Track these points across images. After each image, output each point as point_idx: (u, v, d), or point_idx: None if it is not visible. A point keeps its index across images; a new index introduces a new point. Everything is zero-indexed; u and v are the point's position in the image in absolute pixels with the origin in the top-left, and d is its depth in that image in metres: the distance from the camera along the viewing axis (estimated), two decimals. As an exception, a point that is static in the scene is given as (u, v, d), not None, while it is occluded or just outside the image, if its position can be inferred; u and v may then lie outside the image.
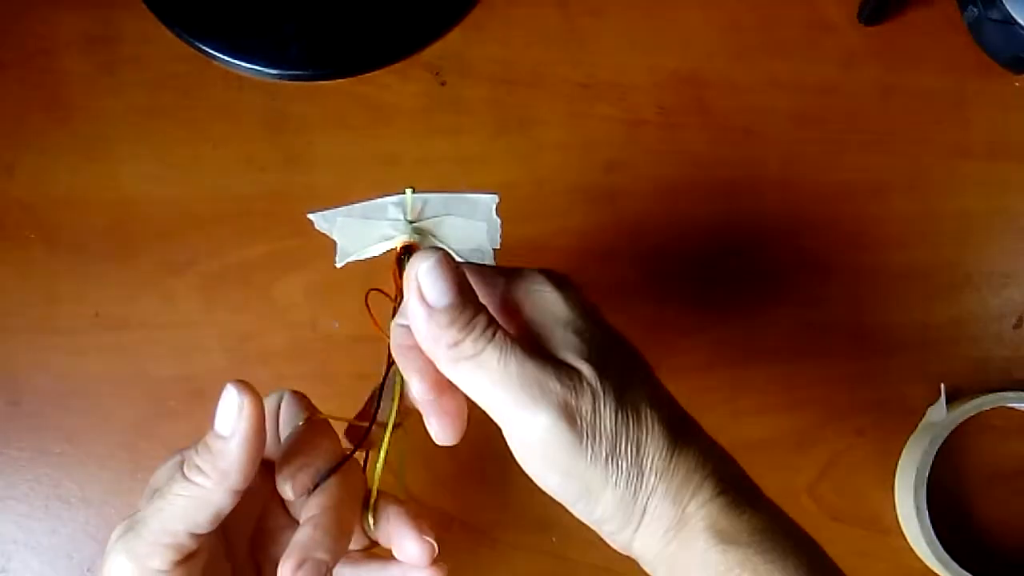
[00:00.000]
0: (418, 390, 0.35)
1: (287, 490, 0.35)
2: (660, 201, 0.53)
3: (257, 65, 0.53)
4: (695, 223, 0.53)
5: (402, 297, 0.43)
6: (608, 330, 0.35)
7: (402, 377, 0.38)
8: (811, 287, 0.53)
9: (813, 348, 0.52)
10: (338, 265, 0.51)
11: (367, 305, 0.40)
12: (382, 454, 0.38)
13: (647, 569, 0.34)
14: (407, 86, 0.54)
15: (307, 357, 0.51)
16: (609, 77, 0.54)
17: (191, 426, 0.49)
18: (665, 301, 0.52)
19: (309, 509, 0.35)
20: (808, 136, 0.54)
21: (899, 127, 0.54)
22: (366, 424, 0.39)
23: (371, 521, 0.38)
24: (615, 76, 0.54)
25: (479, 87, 0.54)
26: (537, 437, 0.32)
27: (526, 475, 0.50)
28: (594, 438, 0.32)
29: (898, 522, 0.51)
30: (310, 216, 0.52)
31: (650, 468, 0.33)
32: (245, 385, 0.33)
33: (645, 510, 0.33)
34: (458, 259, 0.50)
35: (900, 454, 0.51)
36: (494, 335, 0.33)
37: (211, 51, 0.53)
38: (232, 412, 0.32)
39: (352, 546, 0.38)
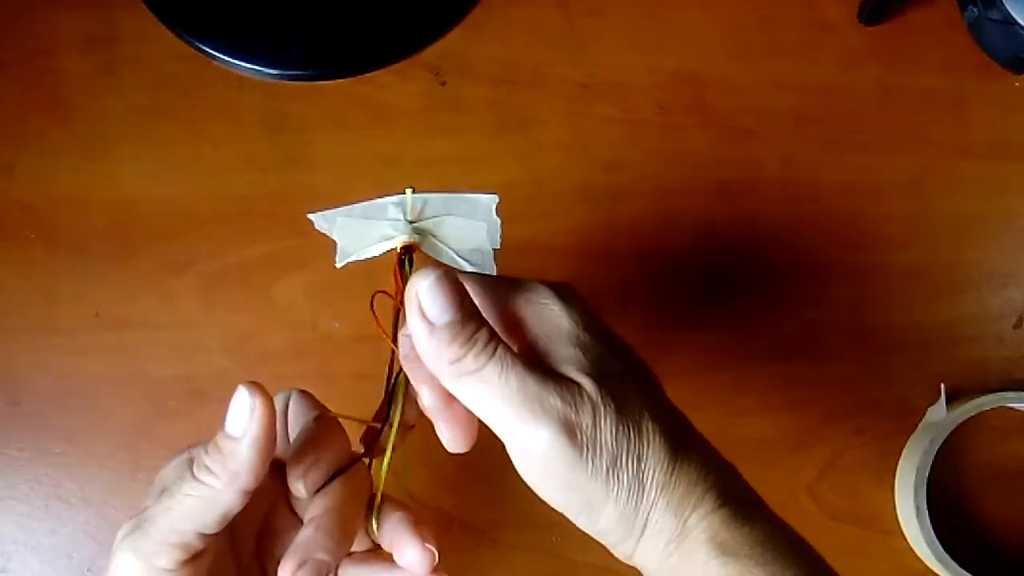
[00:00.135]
0: (428, 399, 0.36)
1: (299, 488, 0.35)
2: (660, 201, 0.53)
3: (257, 65, 0.53)
4: (695, 223, 0.53)
5: (403, 298, 0.43)
6: (612, 342, 0.35)
7: (407, 380, 0.38)
8: (811, 287, 0.53)
9: (813, 348, 0.53)
10: (338, 265, 0.51)
11: (372, 309, 0.40)
12: (387, 457, 0.38)
13: None
14: (407, 86, 0.54)
15: (307, 357, 0.51)
16: (609, 77, 0.54)
17: (191, 426, 0.49)
18: (665, 301, 0.52)
19: (312, 509, 0.35)
20: (808, 136, 0.54)
21: (899, 127, 0.54)
22: (379, 425, 0.39)
23: (374, 525, 0.38)
24: (615, 76, 0.54)
25: (479, 87, 0.54)
26: (538, 452, 0.32)
27: (526, 475, 0.50)
28: (595, 452, 0.32)
29: (898, 522, 0.51)
30: (310, 216, 0.52)
31: (651, 481, 0.33)
32: (257, 386, 0.33)
33: (647, 523, 0.33)
34: (462, 262, 0.50)
35: (900, 454, 0.51)
36: (495, 351, 0.33)
37: (211, 51, 0.53)
38: (244, 413, 0.32)
39: (357, 547, 0.39)
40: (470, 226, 0.52)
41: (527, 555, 0.50)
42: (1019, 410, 0.52)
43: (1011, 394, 0.51)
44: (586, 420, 0.32)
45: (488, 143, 0.53)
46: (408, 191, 0.52)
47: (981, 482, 0.52)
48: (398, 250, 0.50)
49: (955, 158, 0.54)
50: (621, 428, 0.33)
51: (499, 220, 0.52)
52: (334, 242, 0.51)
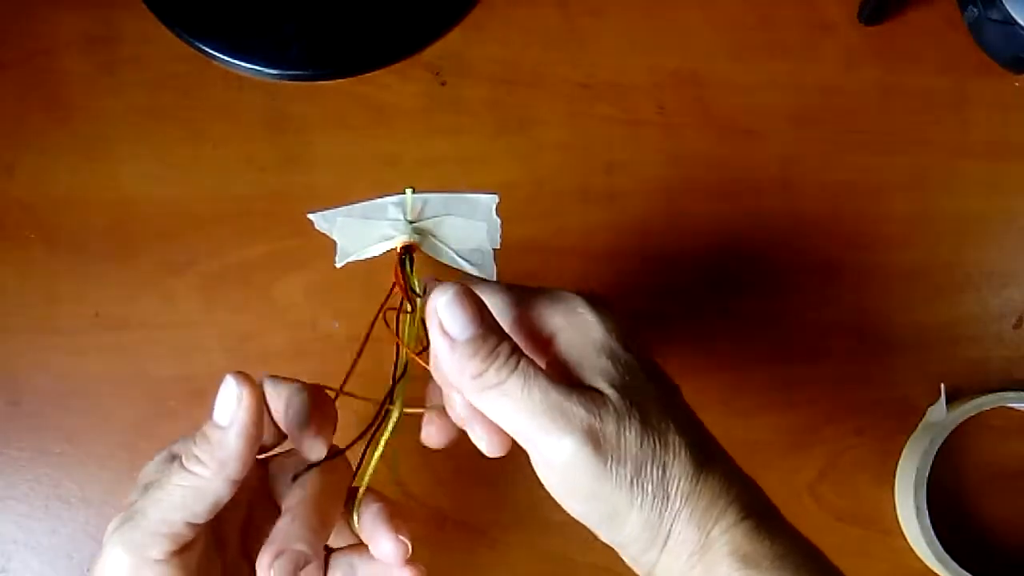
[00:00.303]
0: (461, 406, 0.36)
1: (317, 448, 0.36)
2: (660, 201, 0.53)
3: (257, 65, 0.53)
4: (695, 223, 0.53)
5: (405, 296, 0.43)
6: (639, 354, 0.36)
7: (404, 373, 0.39)
8: (811, 287, 0.53)
9: (813, 348, 0.53)
10: (338, 265, 0.51)
11: (386, 322, 0.40)
12: (379, 450, 0.38)
13: None
14: (407, 86, 0.54)
15: (307, 357, 0.51)
16: (609, 77, 0.54)
17: (191, 426, 0.48)
18: (665, 301, 0.52)
19: (290, 499, 0.36)
20: (808, 136, 0.54)
21: (899, 127, 0.54)
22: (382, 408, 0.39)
23: (356, 518, 0.38)
24: (615, 76, 0.54)
25: (479, 87, 0.54)
26: (562, 461, 0.32)
27: (525, 475, 0.50)
28: (619, 461, 0.32)
29: (898, 522, 0.51)
30: (310, 216, 0.52)
31: (676, 491, 0.33)
32: (244, 376, 0.33)
33: (670, 533, 0.33)
34: (462, 262, 0.50)
35: (900, 454, 0.52)
36: (517, 364, 0.33)
37: (211, 51, 0.53)
38: (231, 403, 0.33)
39: (349, 540, 0.39)
40: (470, 226, 0.52)
41: (526, 555, 0.50)
42: (1019, 410, 0.52)
43: (1011, 394, 0.51)
44: (610, 429, 0.33)
45: (488, 143, 0.53)
46: (408, 191, 0.52)
47: (981, 482, 0.52)
48: (398, 250, 0.50)
49: (955, 158, 0.54)
50: (646, 438, 0.33)
51: (499, 220, 0.52)
52: (334, 242, 0.51)
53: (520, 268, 0.51)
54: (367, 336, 0.39)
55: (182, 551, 0.34)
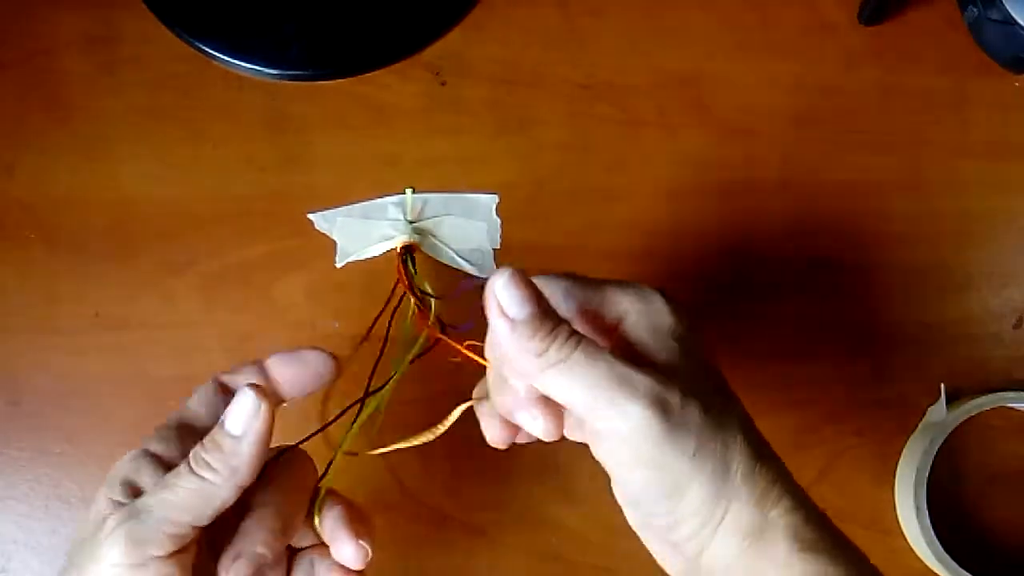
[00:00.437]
0: (526, 391, 0.36)
1: None
2: (659, 201, 0.53)
3: (257, 65, 0.53)
4: (694, 224, 0.53)
5: (411, 293, 0.44)
6: (703, 351, 0.37)
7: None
8: (811, 287, 0.53)
9: (813, 348, 0.52)
10: (338, 265, 0.51)
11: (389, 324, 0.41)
12: (355, 426, 0.40)
13: None
14: (407, 86, 0.54)
15: (307, 357, 0.51)
16: (609, 77, 0.54)
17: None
18: (665, 301, 0.52)
19: (253, 502, 0.36)
20: (808, 136, 0.54)
21: (899, 127, 0.54)
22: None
23: (317, 520, 0.39)
24: (615, 76, 0.54)
25: (479, 87, 0.54)
26: (629, 428, 0.33)
27: (524, 474, 0.50)
28: (683, 431, 0.33)
29: (898, 522, 0.51)
30: (310, 216, 0.52)
31: (735, 469, 0.33)
32: (261, 390, 0.35)
33: (727, 511, 0.33)
34: (461, 262, 0.50)
35: (900, 454, 0.51)
36: (579, 341, 0.34)
37: (211, 51, 0.53)
38: (248, 413, 0.35)
39: (314, 540, 0.40)
40: (470, 226, 0.52)
41: (526, 555, 0.50)
42: (1019, 410, 0.52)
43: (1011, 394, 0.51)
44: (675, 400, 0.33)
45: (488, 143, 0.53)
46: (408, 191, 0.52)
47: (981, 482, 0.52)
48: (398, 250, 0.50)
49: (955, 158, 0.54)
50: (709, 414, 0.34)
51: (499, 220, 0.52)
52: (334, 242, 0.52)
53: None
54: (386, 335, 0.41)
55: (182, 551, 0.34)
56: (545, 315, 0.34)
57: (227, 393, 0.39)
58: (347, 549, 0.37)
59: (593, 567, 0.49)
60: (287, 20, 0.54)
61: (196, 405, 0.39)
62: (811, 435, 0.52)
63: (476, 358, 0.37)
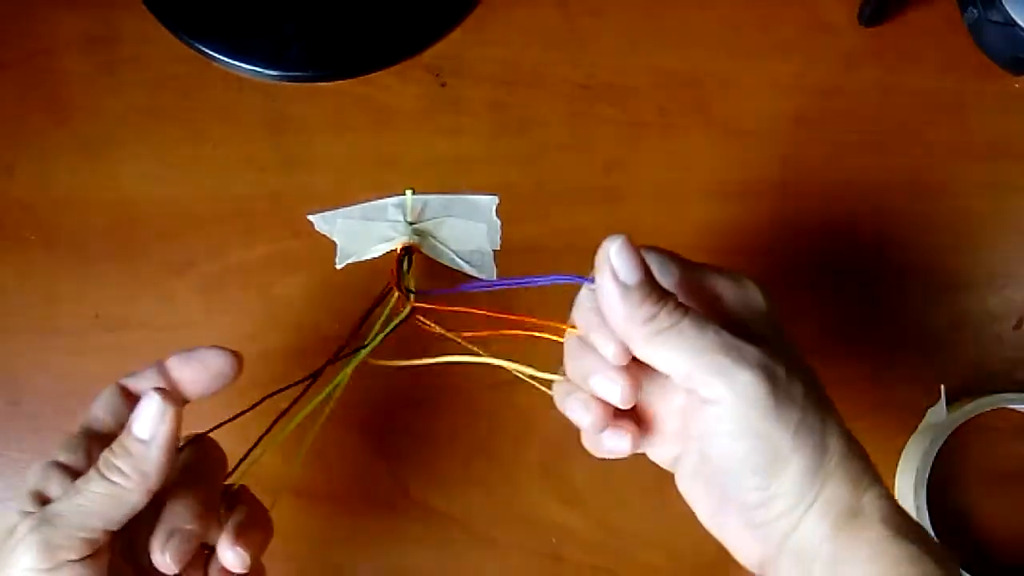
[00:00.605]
0: (617, 355, 0.36)
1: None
2: (659, 202, 0.53)
3: (257, 66, 0.53)
4: (694, 225, 0.53)
5: (396, 288, 0.44)
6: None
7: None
8: (810, 288, 0.53)
9: (813, 349, 0.52)
10: (338, 266, 0.51)
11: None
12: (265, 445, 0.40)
13: (796, 566, 0.34)
14: (407, 87, 0.54)
15: (307, 358, 0.51)
16: (609, 78, 0.54)
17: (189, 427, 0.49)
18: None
19: (172, 489, 0.37)
20: (808, 137, 0.54)
21: (899, 128, 0.54)
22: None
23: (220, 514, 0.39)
24: (615, 77, 0.54)
25: (479, 88, 0.54)
26: (736, 394, 0.33)
27: (526, 475, 0.50)
28: (789, 403, 0.33)
29: (898, 523, 0.51)
30: (310, 217, 0.52)
31: (833, 448, 0.34)
32: (167, 394, 0.36)
33: (822, 489, 0.34)
34: (462, 263, 0.50)
35: (900, 454, 0.51)
36: (686, 311, 0.34)
37: (211, 52, 0.53)
38: (155, 418, 0.35)
39: None
40: (470, 227, 0.52)
41: (525, 556, 0.50)
42: (1019, 411, 0.52)
43: (1011, 395, 0.51)
44: (781, 372, 0.34)
45: (488, 144, 0.53)
46: (408, 192, 0.52)
47: (981, 483, 0.52)
48: (398, 251, 0.50)
49: (955, 159, 0.54)
50: (809, 391, 0.34)
51: (499, 221, 0.52)
52: (334, 243, 0.52)
53: (520, 269, 0.51)
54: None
55: (95, 555, 0.35)
56: (653, 283, 0.35)
57: (129, 397, 0.39)
58: (228, 554, 0.37)
59: (593, 567, 0.49)
60: (287, 21, 0.54)
61: (101, 412, 0.39)
62: (811, 436, 0.52)
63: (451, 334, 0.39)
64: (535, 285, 0.40)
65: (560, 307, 0.39)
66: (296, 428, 0.41)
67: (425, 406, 0.50)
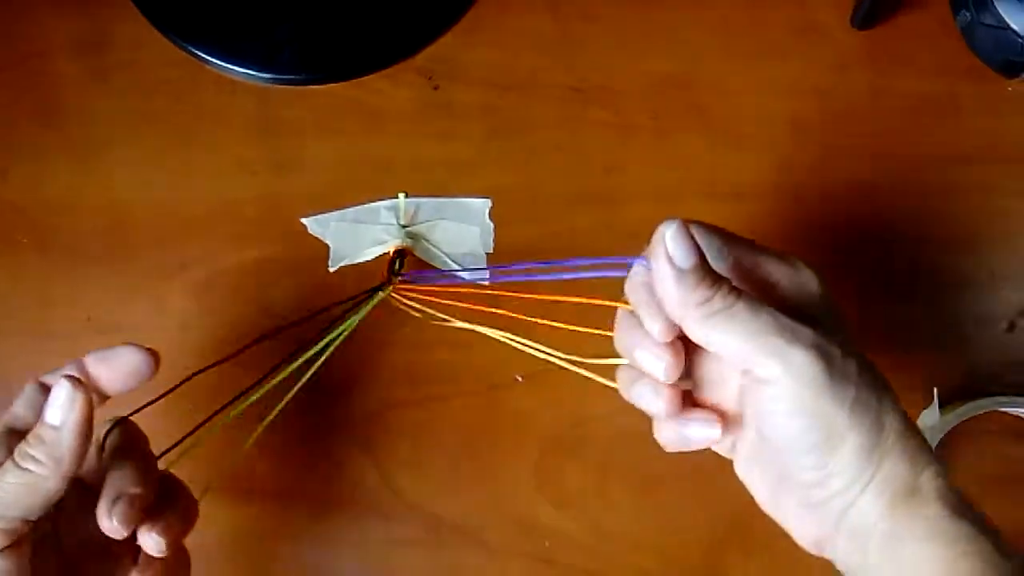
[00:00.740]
0: (662, 332, 0.36)
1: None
2: (653, 205, 0.53)
3: (249, 69, 0.53)
4: (688, 227, 0.53)
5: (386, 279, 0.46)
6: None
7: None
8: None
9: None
10: (331, 269, 0.51)
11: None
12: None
13: (852, 544, 0.34)
14: (400, 90, 0.54)
15: (300, 361, 0.51)
16: (602, 81, 0.54)
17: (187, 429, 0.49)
18: (658, 305, 0.52)
19: (109, 464, 0.38)
20: (801, 139, 0.54)
21: (891, 131, 0.54)
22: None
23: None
24: (608, 80, 0.54)
25: (472, 91, 0.54)
26: (790, 374, 0.33)
27: (520, 478, 0.50)
28: (842, 381, 0.34)
29: (891, 526, 0.51)
30: (304, 221, 0.52)
31: (890, 426, 0.34)
32: (76, 380, 0.36)
33: (879, 467, 0.34)
34: (454, 266, 0.50)
35: (893, 458, 0.51)
36: (740, 294, 0.34)
37: (203, 55, 0.53)
38: (65, 404, 0.36)
39: None
40: (463, 230, 0.52)
41: (518, 559, 0.50)
42: (1012, 414, 0.52)
43: (1004, 398, 0.51)
44: (835, 351, 0.34)
45: (481, 147, 0.53)
46: (401, 195, 0.52)
47: (973, 486, 0.51)
48: (391, 254, 0.50)
49: (948, 162, 0.54)
50: (863, 371, 0.35)
51: (492, 224, 0.52)
52: (327, 246, 0.52)
53: (512, 272, 0.51)
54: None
55: (17, 545, 0.35)
56: (707, 266, 0.35)
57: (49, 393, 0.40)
58: (144, 538, 0.38)
59: (585, 571, 0.49)
60: (279, 24, 0.54)
61: (21, 409, 0.39)
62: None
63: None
64: (590, 265, 0.40)
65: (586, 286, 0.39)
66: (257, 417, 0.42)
67: (417, 408, 0.50)
